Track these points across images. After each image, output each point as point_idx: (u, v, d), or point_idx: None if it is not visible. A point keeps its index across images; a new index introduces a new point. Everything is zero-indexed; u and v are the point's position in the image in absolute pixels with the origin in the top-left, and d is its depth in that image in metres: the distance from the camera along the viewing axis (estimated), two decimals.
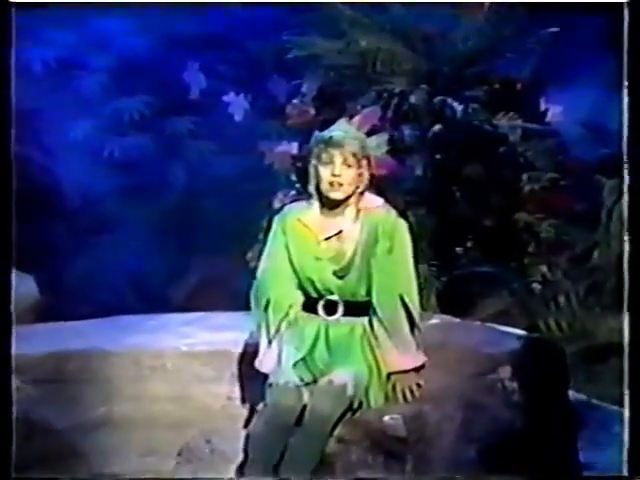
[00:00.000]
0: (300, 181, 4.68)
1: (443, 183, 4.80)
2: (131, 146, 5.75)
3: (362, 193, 3.33)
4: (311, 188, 3.33)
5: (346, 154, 3.26)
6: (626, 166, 3.19)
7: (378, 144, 3.39)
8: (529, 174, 4.82)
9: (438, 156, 4.82)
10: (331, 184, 3.26)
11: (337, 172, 3.26)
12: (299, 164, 4.72)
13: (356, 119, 3.45)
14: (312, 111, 4.95)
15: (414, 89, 4.82)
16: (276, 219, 3.39)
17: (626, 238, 3.16)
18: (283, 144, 5.00)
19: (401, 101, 4.81)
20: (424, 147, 4.81)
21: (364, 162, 3.30)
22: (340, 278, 3.31)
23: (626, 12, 3.17)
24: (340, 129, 3.31)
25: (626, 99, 3.19)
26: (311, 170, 3.32)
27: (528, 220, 4.77)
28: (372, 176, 3.34)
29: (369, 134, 3.48)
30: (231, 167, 5.79)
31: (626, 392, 3.23)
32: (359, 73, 4.90)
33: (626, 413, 3.22)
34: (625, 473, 3.20)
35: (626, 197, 3.15)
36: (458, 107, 4.77)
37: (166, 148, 5.81)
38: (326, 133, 3.31)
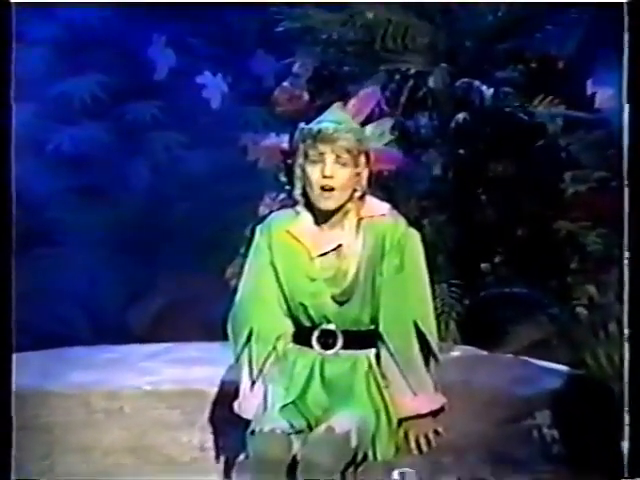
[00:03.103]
0: (292, 182, 4.69)
1: (467, 184, 4.80)
2: (82, 138, 5.77)
3: (363, 197, 3.33)
4: (297, 193, 3.34)
5: (339, 150, 3.27)
6: (626, 178, 3.37)
7: (381, 132, 3.39)
8: (573, 173, 4.82)
9: (461, 151, 4.83)
10: (322, 188, 3.26)
11: (328, 173, 3.26)
12: (290, 161, 4.72)
13: (351, 104, 3.45)
14: (306, 96, 4.95)
15: (432, 69, 4.82)
16: (259, 230, 3.40)
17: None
18: (270, 137, 5.00)
19: (416, 84, 4.82)
20: (444, 140, 4.82)
21: (362, 159, 3.30)
22: (339, 303, 3.32)
23: (626, 12, 3.43)
24: (331, 119, 3.31)
25: (626, 99, 3.41)
26: (297, 170, 3.33)
27: (571, 229, 4.77)
28: (377, 174, 3.34)
29: (368, 120, 3.48)
30: (206, 164, 5.81)
31: (626, 386, 3.31)
32: (365, 50, 4.91)
33: (626, 412, 3.33)
34: (625, 474, 3.33)
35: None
36: (486, 91, 4.77)
37: (126, 140, 5.83)
38: (313, 125, 3.31)
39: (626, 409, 3.33)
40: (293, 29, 4.92)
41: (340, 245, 3.32)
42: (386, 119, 3.51)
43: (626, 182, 3.41)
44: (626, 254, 3.39)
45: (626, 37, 3.41)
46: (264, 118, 5.37)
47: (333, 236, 3.32)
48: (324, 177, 3.26)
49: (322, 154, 3.27)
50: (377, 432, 3.28)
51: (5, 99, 3.39)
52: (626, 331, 3.36)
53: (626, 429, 3.32)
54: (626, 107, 3.40)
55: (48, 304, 5.50)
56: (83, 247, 5.63)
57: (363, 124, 3.42)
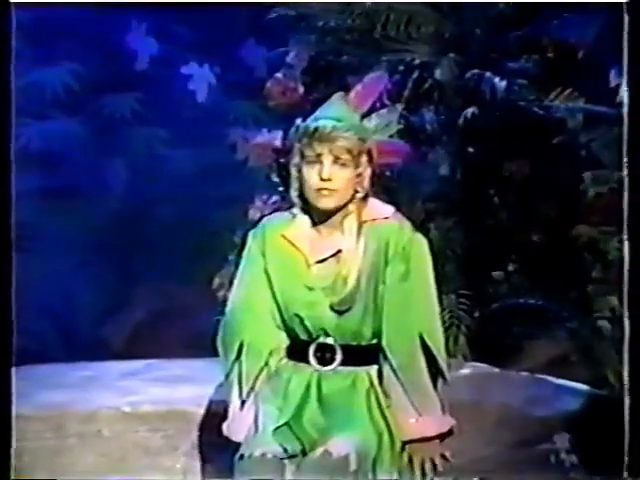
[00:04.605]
0: (285, 183, 4.71)
1: (477, 185, 4.82)
2: (54, 133, 5.77)
3: (365, 199, 3.34)
4: (293, 194, 3.35)
5: (338, 151, 3.27)
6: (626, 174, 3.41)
7: (387, 123, 3.40)
8: (593, 173, 4.83)
9: (471, 149, 4.84)
10: (319, 190, 3.27)
11: (326, 175, 3.27)
12: (283, 160, 4.74)
13: (354, 91, 3.44)
14: (301, 89, 4.97)
15: (439, 60, 4.84)
16: (252, 235, 3.41)
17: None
18: (262, 133, 5.02)
19: (422, 76, 4.84)
20: (452, 137, 4.84)
21: (363, 158, 3.31)
22: (338, 314, 3.33)
23: (626, 12, 3.60)
24: (329, 115, 3.31)
25: (626, 100, 3.54)
26: (293, 171, 3.34)
27: (592, 235, 4.78)
28: (380, 172, 3.35)
29: (373, 110, 3.48)
30: (191, 163, 5.81)
31: (626, 383, 3.38)
32: (365, 39, 4.92)
33: (626, 410, 3.38)
34: (625, 474, 3.38)
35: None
36: (498, 83, 4.79)
37: (103, 137, 5.83)
38: (310, 122, 3.31)
39: (626, 407, 3.36)
40: (286, 16, 4.94)
41: (340, 250, 3.32)
42: (392, 108, 3.51)
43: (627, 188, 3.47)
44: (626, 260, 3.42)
45: (626, 37, 3.54)
46: (255, 113, 5.38)
47: (332, 241, 3.33)
48: (322, 180, 3.27)
49: (319, 155, 3.27)
50: (378, 456, 3.27)
51: (5, 101, 3.43)
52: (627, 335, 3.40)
53: (626, 426, 3.36)
54: (626, 106, 3.46)
55: (17, 317, 5.50)
56: (54, 254, 5.62)
57: (368, 113, 3.43)
